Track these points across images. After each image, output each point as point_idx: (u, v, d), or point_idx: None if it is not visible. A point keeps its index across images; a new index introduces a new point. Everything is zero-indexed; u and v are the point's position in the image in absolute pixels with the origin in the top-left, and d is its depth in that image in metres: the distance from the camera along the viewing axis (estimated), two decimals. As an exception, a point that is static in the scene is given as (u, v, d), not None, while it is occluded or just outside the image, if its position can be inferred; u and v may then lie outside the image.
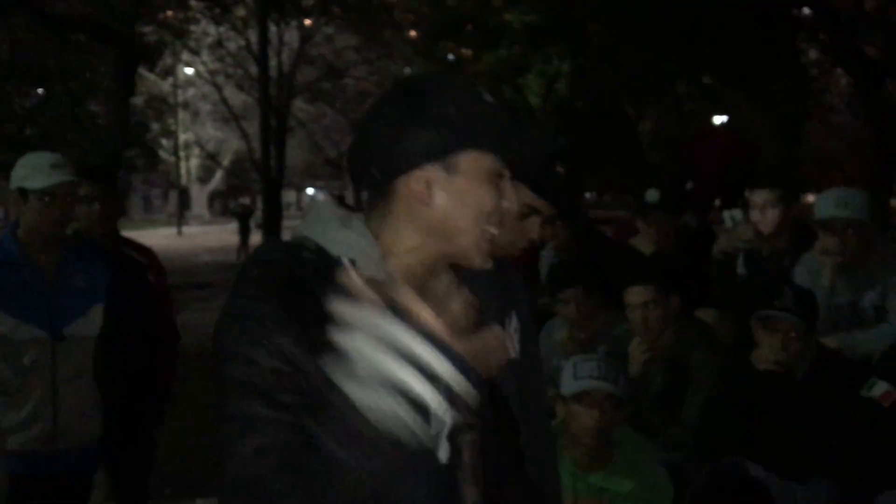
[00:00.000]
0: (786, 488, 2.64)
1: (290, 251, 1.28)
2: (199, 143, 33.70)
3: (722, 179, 4.46)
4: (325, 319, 1.11)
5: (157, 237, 25.51)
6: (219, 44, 21.03)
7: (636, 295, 3.48)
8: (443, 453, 1.33)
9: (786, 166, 15.28)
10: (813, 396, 2.97)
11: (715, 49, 14.79)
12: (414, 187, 1.27)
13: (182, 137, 34.14)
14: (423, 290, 1.28)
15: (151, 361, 3.49)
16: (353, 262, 1.27)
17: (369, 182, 1.32)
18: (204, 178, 42.99)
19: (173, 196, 42.60)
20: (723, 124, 16.26)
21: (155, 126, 24.88)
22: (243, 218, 23.16)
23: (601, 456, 2.97)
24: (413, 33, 21.18)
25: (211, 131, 33.77)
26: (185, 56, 22.32)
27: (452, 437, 1.34)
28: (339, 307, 1.09)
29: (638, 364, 3.46)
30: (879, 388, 2.75)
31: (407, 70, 22.07)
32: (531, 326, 1.99)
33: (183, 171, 38.48)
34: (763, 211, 3.84)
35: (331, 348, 1.08)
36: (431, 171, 1.27)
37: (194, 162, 39.63)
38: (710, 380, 3.30)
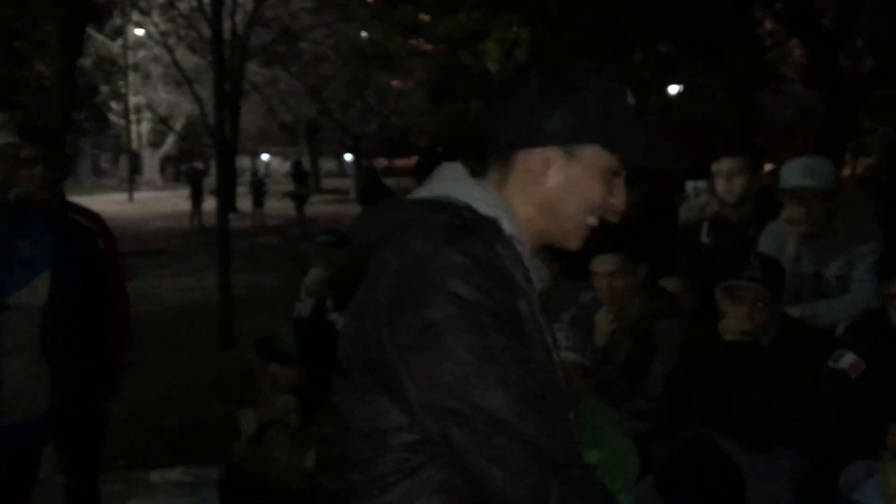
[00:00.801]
0: (752, 459, 2.63)
1: (452, 214, 1.30)
2: (150, 107, 33.06)
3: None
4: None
5: (107, 203, 25.01)
6: (170, 4, 20.52)
7: (603, 264, 3.43)
8: None
9: (743, 135, 15.40)
10: (778, 366, 2.95)
11: (672, 17, 14.79)
12: (533, 163, 1.35)
13: (133, 100, 33.43)
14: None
15: (101, 330, 3.36)
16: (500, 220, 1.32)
17: (493, 147, 1.39)
18: (156, 143, 42.15)
19: (124, 161, 41.77)
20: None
21: (104, 88, 24.32)
22: (195, 182, 22.70)
23: (567, 427, 2.93)
24: (370, -3, 20.86)
25: (162, 94, 33.08)
26: (136, 16, 21.78)
27: None
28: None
29: (604, 334, 3.43)
30: (847, 359, 2.75)
31: (364, 34, 21.78)
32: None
33: (134, 135, 37.68)
34: (729, 179, 3.80)
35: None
36: (552, 153, 1.34)
37: (145, 126, 38.81)
38: (676, 350, 3.27)
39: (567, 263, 3.93)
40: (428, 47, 21.27)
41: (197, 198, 22.20)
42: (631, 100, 1.37)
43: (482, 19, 17.64)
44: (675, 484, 2.68)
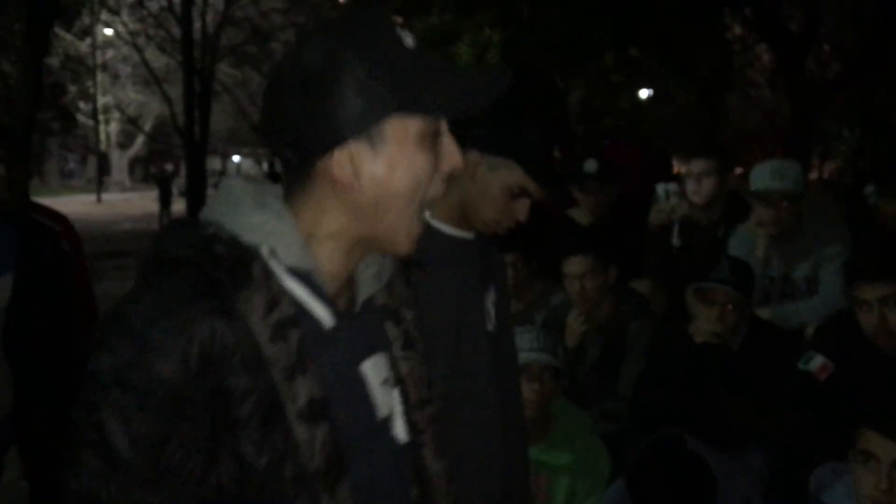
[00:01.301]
0: (722, 460, 2.64)
1: (199, 245, 1.09)
2: (118, 107, 32.62)
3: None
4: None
5: (75, 204, 24.70)
6: (140, 3, 20.31)
7: (574, 265, 3.43)
8: (399, 431, 1.26)
9: (712, 138, 15.56)
10: (748, 367, 2.97)
11: (641, 21, 14.91)
12: (337, 170, 1.11)
13: (101, 101, 33.01)
14: (346, 274, 1.19)
15: (66, 334, 3.30)
16: (273, 251, 1.10)
17: (285, 164, 1.15)
18: (124, 144, 41.68)
19: (92, 162, 41.27)
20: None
21: (72, 88, 23.99)
22: (164, 184, 22.49)
23: (539, 429, 2.93)
24: (342, -2, 20.81)
25: (131, 95, 32.73)
26: (104, 15, 21.52)
27: (409, 415, 1.27)
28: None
29: (575, 335, 3.43)
30: (816, 361, 2.76)
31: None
32: (507, 300, 2.03)
33: (102, 135, 37.24)
34: (699, 180, 3.82)
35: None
36: (354, 148, 1.10)
37: (114, 126, 38.36)
38: (647, 351, 3.28)
39: (538, 265, 3.93)
40: (399, 49, 21.22)
41: (166, 199, 21.99)
42: (409, 41, 1.14)
43: (454, 21, 17.67)
44: (645, 485, 2.67)
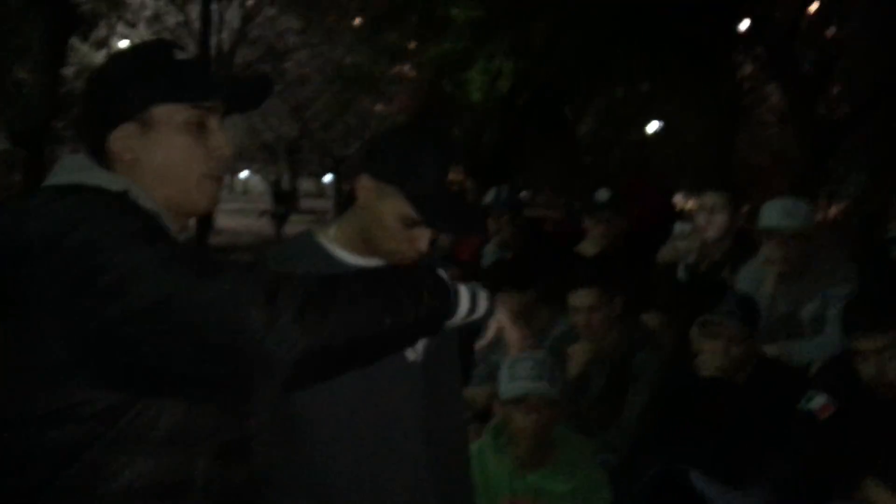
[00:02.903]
0: (725, 495, 2.64)
1: (97, 189, 1.32)
2: (130, 119, 32.82)
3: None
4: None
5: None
6: (156, 18, 20.49)
7: (581, 298, 3.45)
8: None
9: (719, 172, 15.59)
10: (753, 403, 2.98)
11: (653, 56, 15.01)
12: (115, 145, 1.38)
13: (113, 112, 33.18)
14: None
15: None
16: (136, 194, 1.34)
17: (83, 140, 1.44)
18: (134, 156, 41.76)
19: (100, 172, 41.29)
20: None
21: (85, 98, 24.10)
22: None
23: (539, 455, 2.93)
24: (357, 21, 20.96)
25: (143, 107, 32.81)
26: (121, 28, 21.67)
27: None
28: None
29: (579, 363, 3.43)
30: (818, 401, 2.77)
31: (348, 59, 21.84)
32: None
33: (112, 146, 37.36)
34: (711, 214, 3.83)
35: None
36: (127, 129, 1.37)
37: (125, 138, 38.48)
38: (652, 383, 3.28)
39: (544, 291, 3.94)
40: (412, 74, 21.37)
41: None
42: (180, 56, 1.43)
43: (467, 49, 17.78)
44: (646, 517, 2.68)
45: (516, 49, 17.43)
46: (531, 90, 16.91)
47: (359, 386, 1.64)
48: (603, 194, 4.17)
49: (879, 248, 4.83)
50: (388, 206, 1.68)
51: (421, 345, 1.78)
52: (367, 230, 1.73)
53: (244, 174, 45.55)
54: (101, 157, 1.40)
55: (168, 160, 1.38)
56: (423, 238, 1.71)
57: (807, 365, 3.33)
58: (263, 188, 35.75)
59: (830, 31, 15.27)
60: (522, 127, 18.48)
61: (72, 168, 1.39)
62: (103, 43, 23.34)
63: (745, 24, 15.69)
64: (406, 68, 20.96)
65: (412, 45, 19.68)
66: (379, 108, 25.71)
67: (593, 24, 13.95)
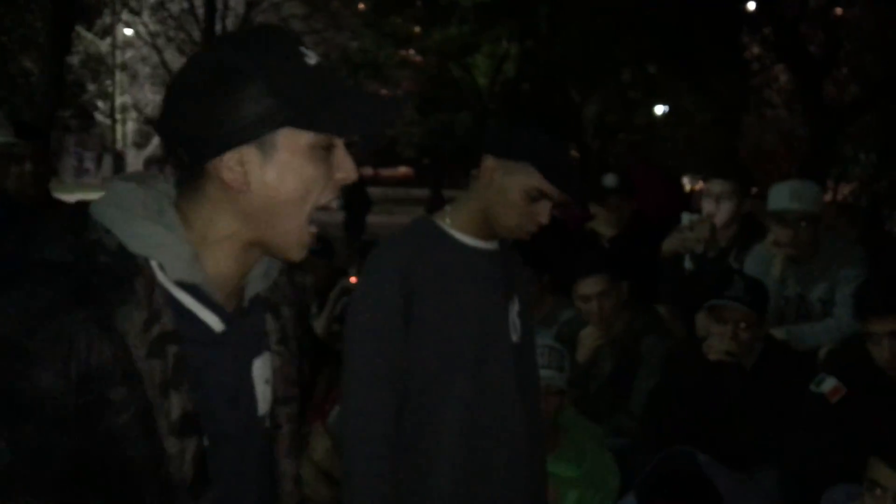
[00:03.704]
0: (733, 478, 2.64)
1: (81, 252, 1.08)
2: (136, 107, 32.82)
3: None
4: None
5: (89, 202, 24.70)
6: (161, 5, 20.47)
7: (590, 286, 3.44)
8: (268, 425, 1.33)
9: (728, 158, 15.52)
10: (762, 387, 2.97)
11: (660, 39, 14.93)
12: (227, 172, 1.13)
13: (119, 100, 33.17)
14: (238, 277, 1.21)
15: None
16: (160, 265, 1.12)
17: (178, 163, 1.17)
18: (140, 143, 41.83)
19: (108, 160, 41.45)
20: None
21: (91, 87, 24.14)
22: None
23: (548, 441, 2.93)
24: (362, 6, 20.90)
25: (149, 95, 32.82)
26: (125, 16, 21.68)
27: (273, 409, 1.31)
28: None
29: (589, 349, 3.44)
30: (828, 384, 2.76)
31: (354, 44, 21.79)
32: (530, 311, 2.03)
33: (119, 134, 37.41)
34: (719, 201, 3.82)
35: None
36: (245, 153, 1.13)
37: (131, 126, 38.52)
38: (660, 367, 3.28)
39: (550, 280, 3.93)
40: (417, 58, 21.32)
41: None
42: (312, 60, 1.16)
43: (472, 33, 17.72)
44: (654, 501, 2.67)
45: (522, 33, 17.37)
46: (537, 74, 16.86)
47: (473, 371, 1.81)
48: (611, 179, 4.15)
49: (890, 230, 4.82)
50: (514, 182, 1.83)
51: (518, 325, 1.92)
52: (489, 208, 1.86)
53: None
54: (189, 176, 1.16)
55: (287, 191, 1.15)
56: (544, 211, 1.86)
57: (815, 348, 3.32)
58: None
59: (838, 12, 15.14)
60: (528, 110, 18.40)
61: (112, 202, 1.14)
62: (108, 31, 23.36)
63: (752, 5, 15.58)
64: (411, 53, 20.89)
65: (417, 29, 19.63)
66: (385, 93, 25.68)
67: (600, 6, 13.87)
